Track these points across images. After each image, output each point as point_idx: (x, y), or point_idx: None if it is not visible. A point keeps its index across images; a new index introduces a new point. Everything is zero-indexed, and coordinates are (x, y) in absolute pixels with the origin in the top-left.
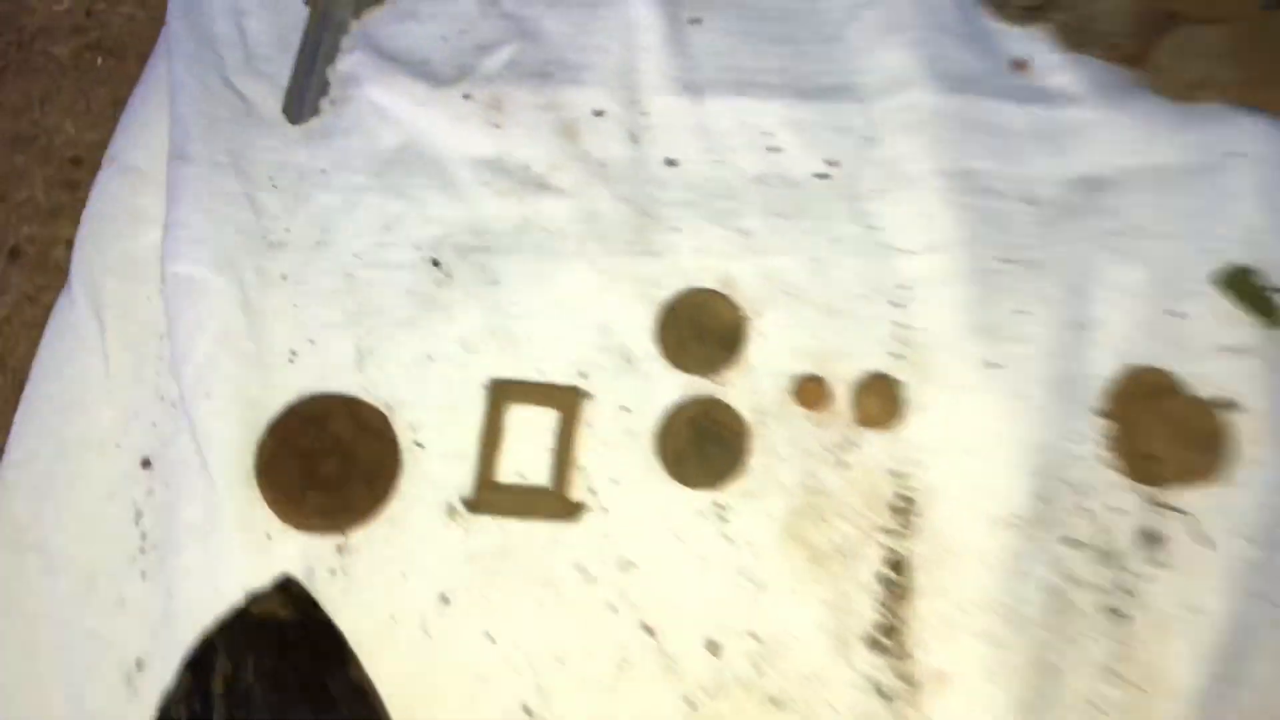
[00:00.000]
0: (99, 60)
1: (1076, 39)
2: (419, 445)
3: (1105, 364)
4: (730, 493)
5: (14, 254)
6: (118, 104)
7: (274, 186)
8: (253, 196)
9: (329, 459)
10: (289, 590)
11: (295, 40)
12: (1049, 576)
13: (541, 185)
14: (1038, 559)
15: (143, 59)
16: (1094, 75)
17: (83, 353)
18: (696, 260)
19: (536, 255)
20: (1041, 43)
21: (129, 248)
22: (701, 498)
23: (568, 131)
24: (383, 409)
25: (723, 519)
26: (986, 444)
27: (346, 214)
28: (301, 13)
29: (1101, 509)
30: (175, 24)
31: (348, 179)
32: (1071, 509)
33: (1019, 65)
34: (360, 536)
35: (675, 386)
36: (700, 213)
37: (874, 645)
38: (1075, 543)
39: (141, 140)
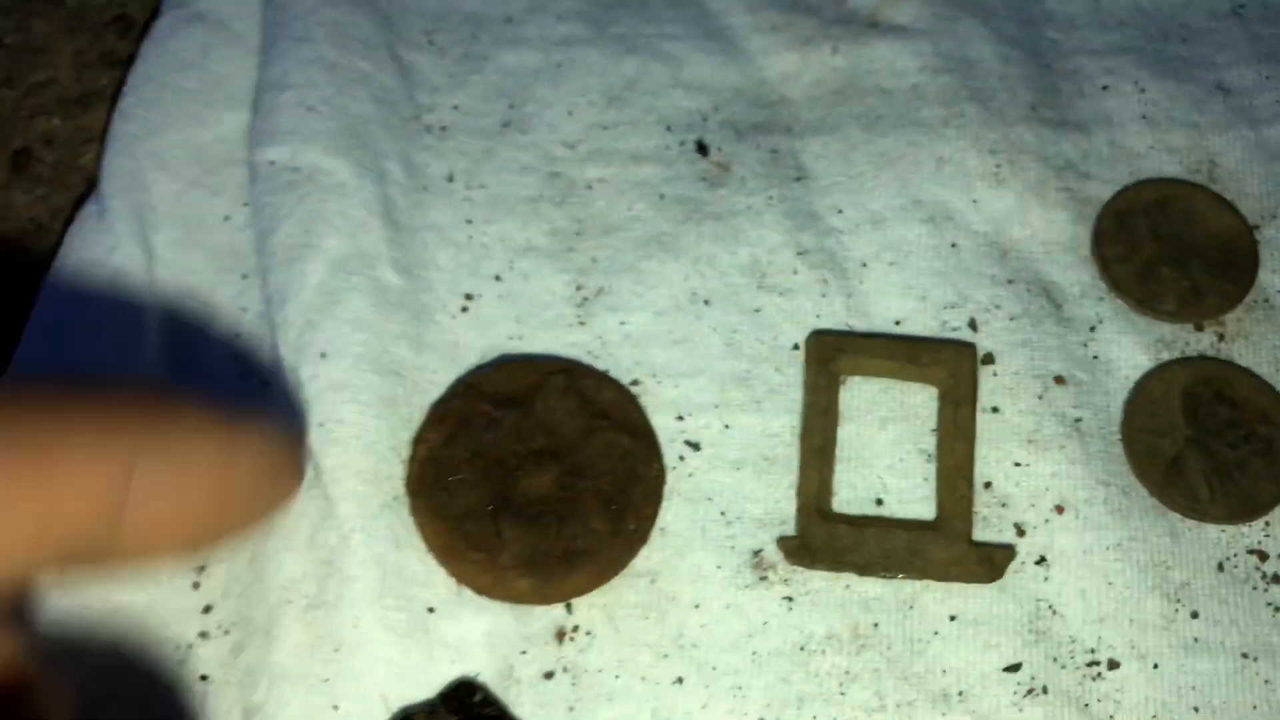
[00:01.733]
0: None
1: None
2: (692, 446)
3: None
4: (1277, 528)
5: (19, 161)
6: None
7: (431, 43)
8: (399, 55)
9: (538, 469)
10: (466, 705)
11: None
12: None
13: (869, 23)
14: None
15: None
16: None
17: (118, 292)
18: (1150, 135)
19: (868, 132)
20: None
21: (195, 135)
22: (1225, 538)
23: None
24: (626, 386)
25: (1267, 576)
26: None
27: (550, 80)
28: None
29: None
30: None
31: (550, 27)
32: None
33: None
34: (598, 608)
35: (1143, 343)
36: (1143, 59)
37: None
38: None
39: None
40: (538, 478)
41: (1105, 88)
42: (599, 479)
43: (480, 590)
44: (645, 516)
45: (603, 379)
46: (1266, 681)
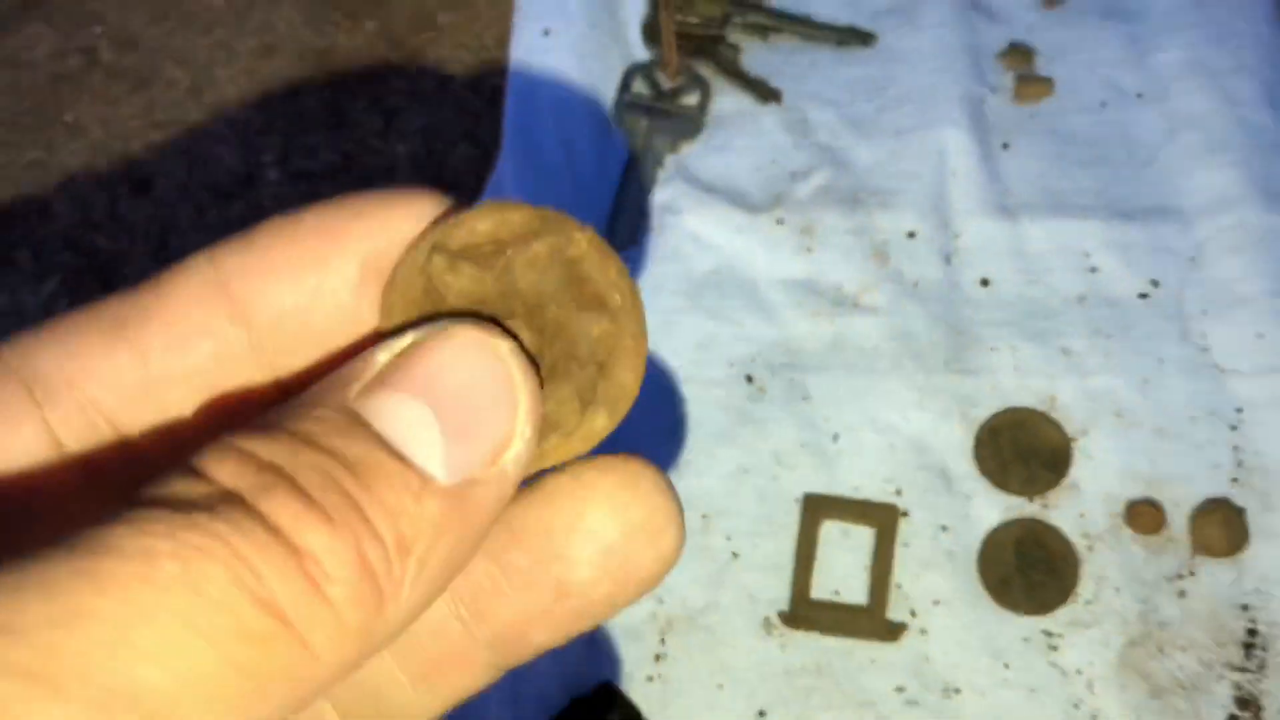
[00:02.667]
0: None
1: None
2: (735, 555)
3: None
4: (1059, 619)
5: None
6: None
7: None
8: None
9: None
10: (612, 697)
11: (616, 173)
12: None
13: (854, 305)
14: None
15: (476, 193)
16: None
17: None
18: (1016, 379)
19: (849, 372)
20: None
21: None
22: (1029, 624)
23: (879, 254)
24: (697, 518)
25: (1052, 647)
26: None
27: (665, 333)
28: (622, 148)
29: None
30: (508, 159)
31: (666, 301)
32: None
33: None
34: (678, 645)
35: (996, 508)
36: (1018, 332)
37: None
38: None
39: None
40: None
41: (993, 349)
42: (576, 348)
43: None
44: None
45: (570, 228)
46: (1073, 702)
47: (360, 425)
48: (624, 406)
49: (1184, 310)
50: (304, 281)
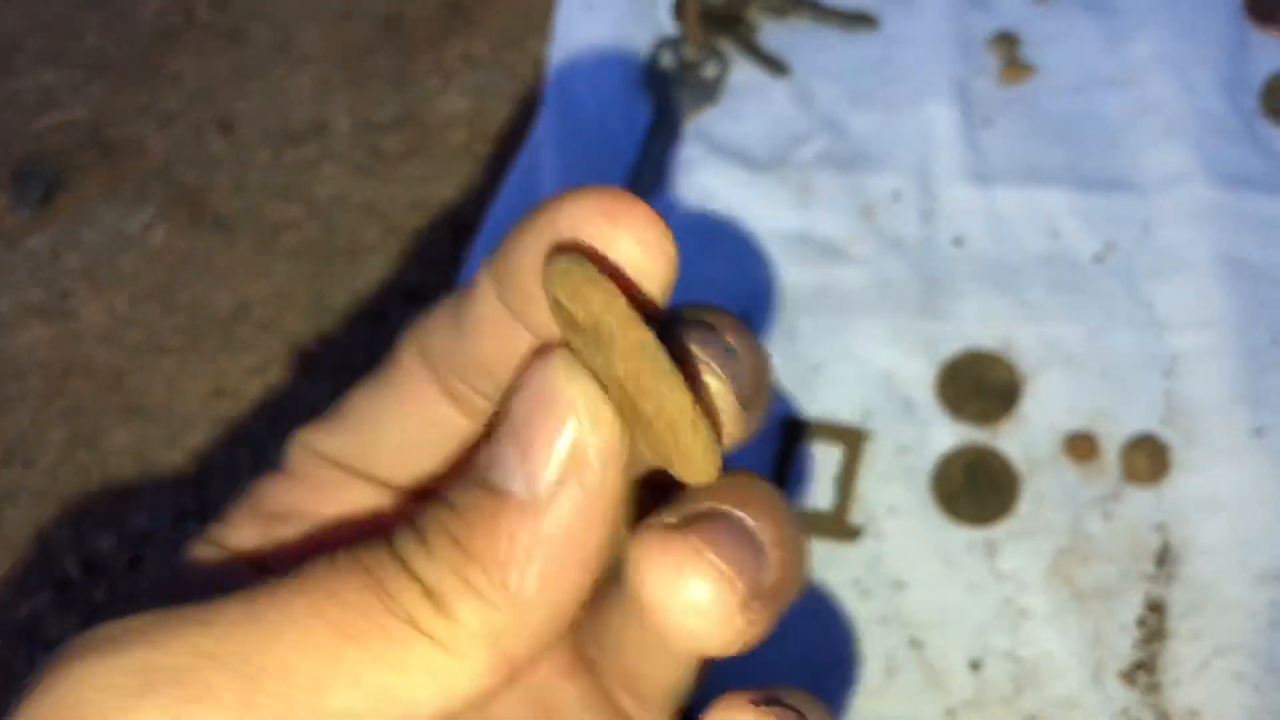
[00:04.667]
0: (482, 147)
1: None
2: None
3: None
4: (999, 531)
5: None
6: (495, 180)
7: None
8: None
9: None
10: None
11: (640, 131)
12: None
13: (840, 256)
14: None
15: (517, 146)
16: None
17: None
18: (979, 325)
19: (831, 314)
20: None
21: None
22: (972, 533)
23: (866, 212)
24: None
25: (991, 553)
26: (1251, 503)
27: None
28: (649, 111)
29: None
30: (548, 118)
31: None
32: None
33: None
34: None
35: (952, 434)
36: (984, 284)
37: (1129, 680)
38: None
39: (512, 209)
40: None
41: (960, 298)
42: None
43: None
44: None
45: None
46: (1005, 599)
47: (473, 473)
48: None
49: (1134, 271)
50: (530, 282)
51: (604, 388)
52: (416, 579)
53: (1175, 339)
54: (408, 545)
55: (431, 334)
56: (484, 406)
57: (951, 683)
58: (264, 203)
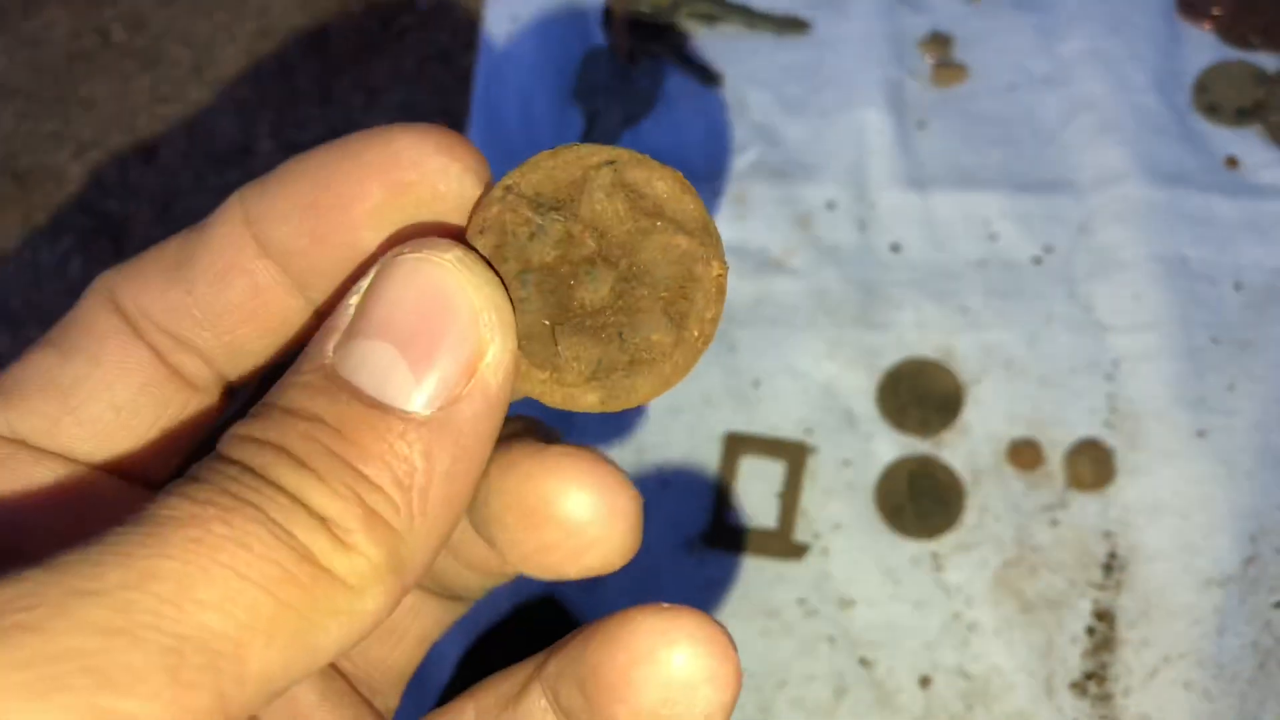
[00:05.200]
0: None
1: None
2: (664, 484)
3: None
4: (945, 543)
5: None
6: None
7: None
8: None
9: (591, 279)
10: (551, 605)
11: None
12: (1259, 637)
13: (778, 267)
14: (1247, 619)
15: None
16: None
17: None
18: (918, 334)
19: (770, 326)
20: (1254, 141)
21: None
22: (918, 547)
23: (802, 221)
24: (633, 452)
25: (938, 567)
26: (1195, 507)
27: None
28: (581, 123)
29: None
30: (475, 132)
31: None
32: None
33: (1230, 162)
34: None
35: (894, 446)
36: (922, 292)
37: (1079, 690)
38: None
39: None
40: (592, 288)
41: (899, 306)
42: (657, 285)
43: (550, 406)
44: (708, 320)
45: (653, 167)
46: (953, 614)
47: (337, 383)
48: (715, 316)
49: (1072, 273)
50: (321, 218)
51: (516, 285)
52: (314, 512)
53: (1116, 341)
54: (291, 473)
55: (139, 289)
56: (204, 372)
57: (901, 701)
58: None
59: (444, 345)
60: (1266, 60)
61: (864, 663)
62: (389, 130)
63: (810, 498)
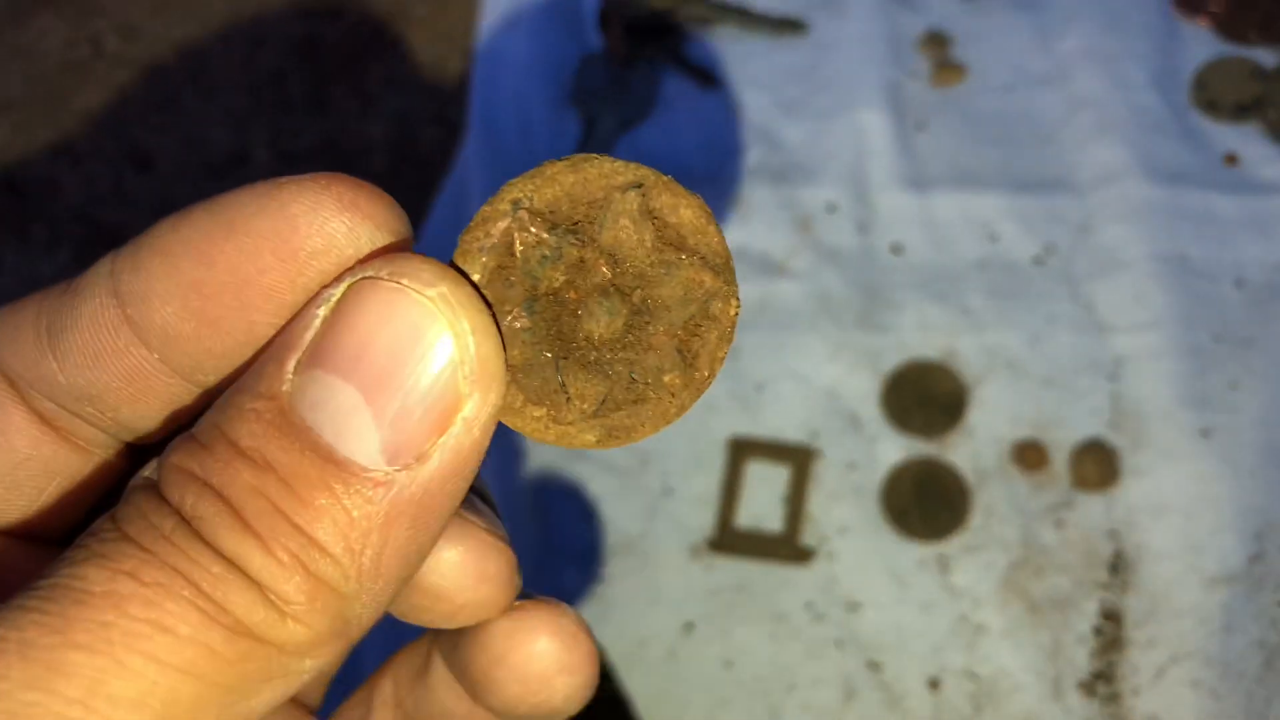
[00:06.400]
0: (408, 171)
1: None
2: (669, 491)
3: None
4: (951, 546)
5: None
6: (423, 207)
7: None
8: None
9: (604, 310)
10: None
11: (569, 151)
12: (1266, 635)
13: (779, 270)
14: (1253, 617)
15: (444, 169)
16: None
17: None
18: (920, 335)
19: (773, 330)
20: (1253, 137)
21: None
22: (924, 549)
23: (803, 224)
24: (637, 459)
25: (944, 569)
26: (1199, 506)
27: None
28: (578, 128)
29: None
30: (474, 139)
31: None
32: None
33: (1230, 159)
34: (617, 568)
35: (899, 448)
36: (924, 293)
37: (1088, 691)
38: None
39: (442, 236)
40: (605, 320)
41: (901, 308)
42: (674, 322)
43: (537, 442)
44: (719, 359)
45: (679, 194)
46: (960, 616)
47: (291, 424)
48: (725, 355)
49: (1073, 274)
50: (209, 300)
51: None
52: (252, 580)
53: (1118, 341)
54: (231, 535)
55: (12, 353)
56: (98, 436)
57: (910, 704)
58: None
59: (415, 397)
60: (1265, 56)
61: (872, 666)
62: (279, 188)
63: (816, 501)
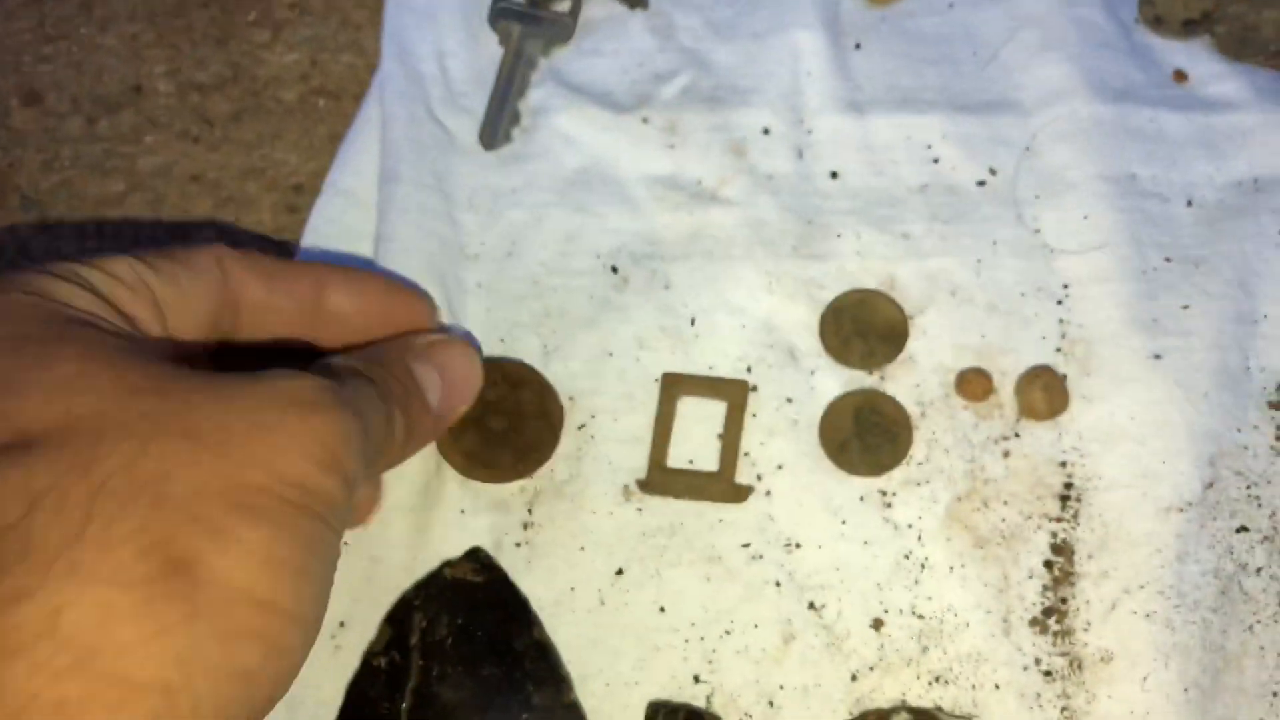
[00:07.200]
0: (320, 102)
1: (1237, 49)
2: (598, 433)
3: (1277, 357)
4: (893, 480)
5: None
6: (335, 138)
7: (471, 206)
8: (453, 215)
9: (498, 414)
10: (479, 559)
11: (491, 77)
12: (1220, 563)
13: (712, 198)
14: (1207, 545)
15: (358, 99)
16: (1256, 82)
17: None
18: (859, 263)
19: (706, 260)
20: (1201, 54)
21: (344, 261)
22: (865, 484)
23: (736, 149)
24: (564, 399)
25: (886, 504)
26: (1152, 432)
27: (533, 228)
28: (497, 53)
29: (1275, 498)
30: (388, 66)
31: (535, 197)
32: (1243, 498)
33: (1179, 76)
34: (543, 513)
35: (838, 380)
36: (863, 219)
37: (1038, 626)
38: (1247, 531)
39: (356, 167)
40: (498, 419)
41: (839, 235)
42: (526, 418)
43: (479, 479)
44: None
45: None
46: (904, 552)
47: (411, 375)
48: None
49: (1018, 196)
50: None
51: None
52: (426, 404)
53: (1065, 264)
54: (375, 381)
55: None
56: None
57: (853, 645)
58: (80, 178)
59: (458, 390)
60: None
61: (813, 606)
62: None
63: (752, 438)
